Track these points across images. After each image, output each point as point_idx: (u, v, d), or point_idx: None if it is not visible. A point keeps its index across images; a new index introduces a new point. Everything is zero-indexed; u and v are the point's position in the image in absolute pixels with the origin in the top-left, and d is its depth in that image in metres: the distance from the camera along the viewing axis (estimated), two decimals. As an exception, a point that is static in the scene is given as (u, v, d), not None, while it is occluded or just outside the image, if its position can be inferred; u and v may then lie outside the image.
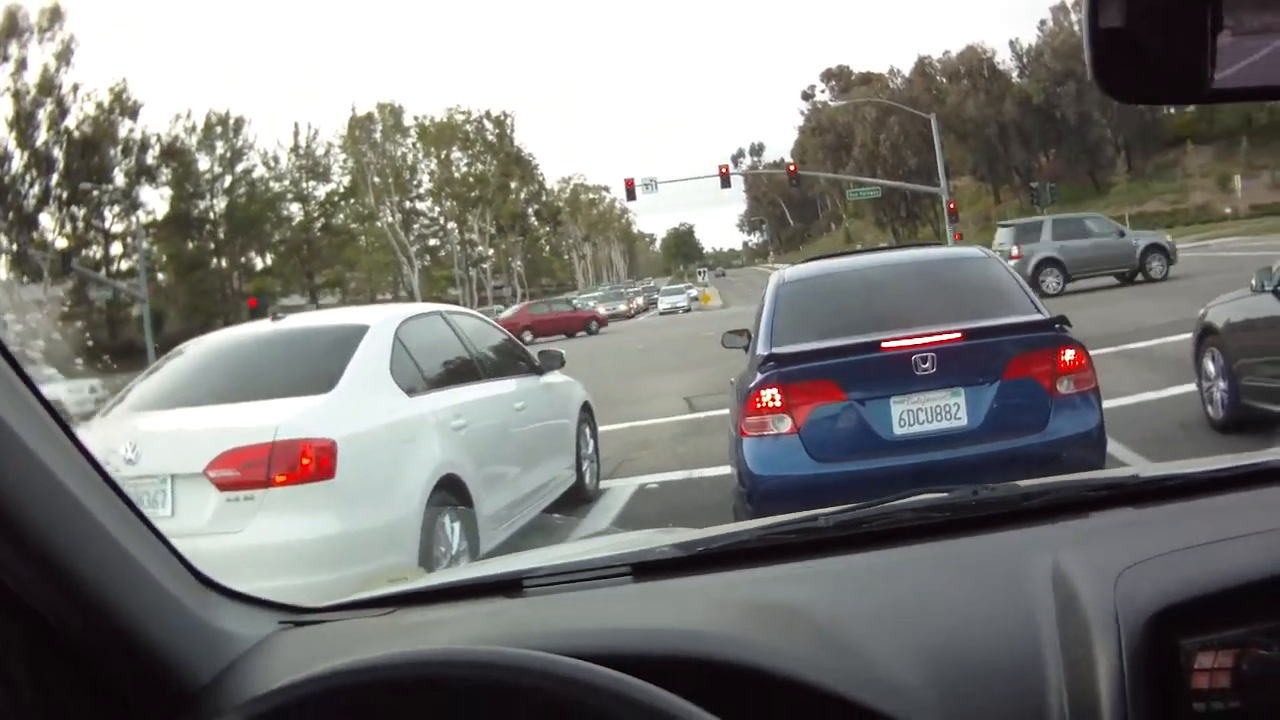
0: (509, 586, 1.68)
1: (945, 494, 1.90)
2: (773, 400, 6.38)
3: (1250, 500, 1.68)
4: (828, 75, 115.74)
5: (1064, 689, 1.25)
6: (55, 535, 1.22)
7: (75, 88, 69.22)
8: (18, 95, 63.56)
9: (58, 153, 66.89)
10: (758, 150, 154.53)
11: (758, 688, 1.07)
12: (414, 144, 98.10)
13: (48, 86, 67.25)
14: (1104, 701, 1.21)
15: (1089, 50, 1.17)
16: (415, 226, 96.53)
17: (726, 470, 7.44)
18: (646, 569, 1.70)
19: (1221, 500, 1.71)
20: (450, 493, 6.65)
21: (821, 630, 1.39)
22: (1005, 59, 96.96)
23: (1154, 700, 1.21)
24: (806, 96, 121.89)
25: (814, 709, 1.23)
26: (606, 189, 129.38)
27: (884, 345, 6.42)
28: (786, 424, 6.36)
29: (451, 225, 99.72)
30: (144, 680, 1.38)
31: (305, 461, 5.84)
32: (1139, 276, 31.98)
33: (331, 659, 1.13)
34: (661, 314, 67.52)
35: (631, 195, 57.47)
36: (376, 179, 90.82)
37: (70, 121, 69.11)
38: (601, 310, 62.37)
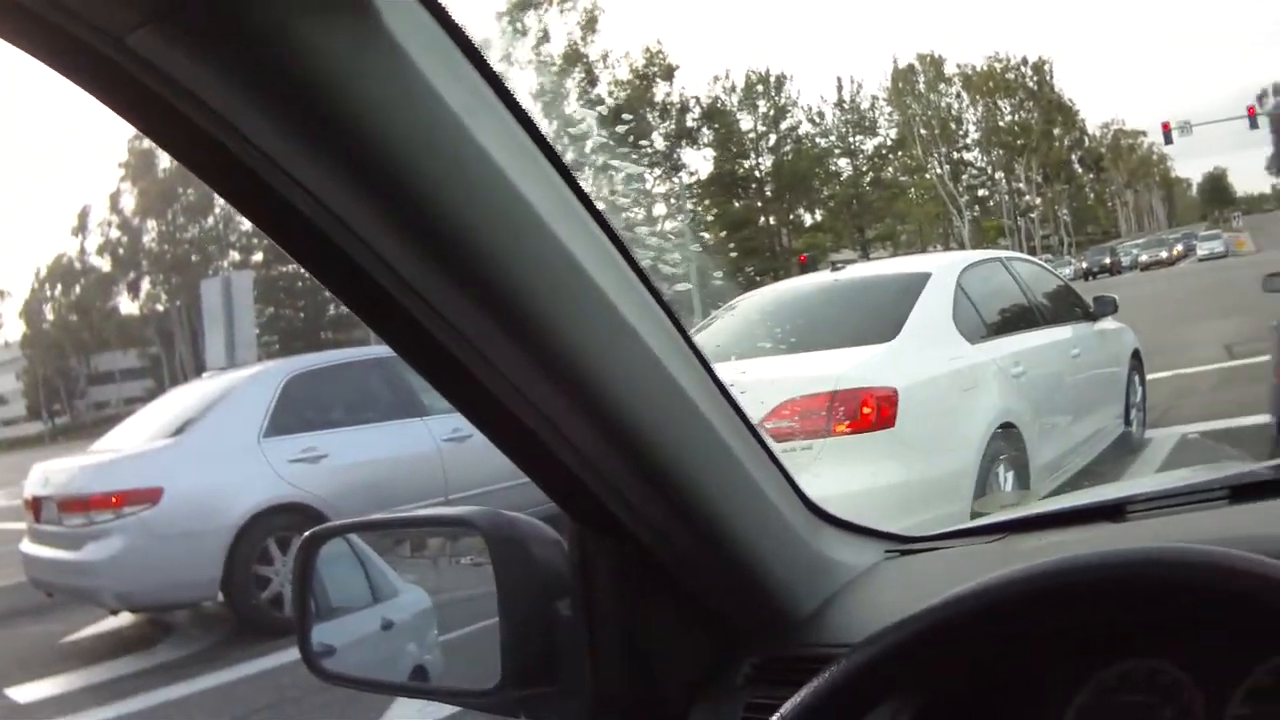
0: (1111, 512, 1.66)
1: None
2: None
3: None
4: None
5: None
6: (692, 459, 1.24)
7: (604, 55, 72.44)
8: (542, 67, 65.20)
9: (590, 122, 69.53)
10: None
11: None
12: (958, 94, 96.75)
13: (574, 56, 68.33)
14: None
15: None
16: (963, 177, 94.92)
17: (1266, 419, 7.18)
18: (1244, 491, 1.63)
19: None
20: (1006, 441, 6.54)
21: None
22: None
23: None
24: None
25: None
26: (1144, 133, 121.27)
27: None
28: None
29: (999, 175, 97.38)
30: (748, 604, 1.38)
31: (866, 411, 5.85)
32: None
33: (945, 587, 1.07)
34: (1200, 260, 68.07)
35: (1169, 139, 56.24)
36: (923, 130, 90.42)
37: (601, 89, 71.84)
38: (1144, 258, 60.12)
